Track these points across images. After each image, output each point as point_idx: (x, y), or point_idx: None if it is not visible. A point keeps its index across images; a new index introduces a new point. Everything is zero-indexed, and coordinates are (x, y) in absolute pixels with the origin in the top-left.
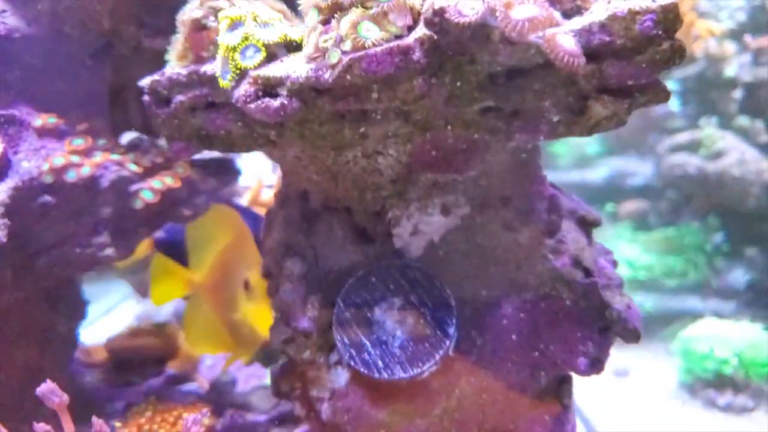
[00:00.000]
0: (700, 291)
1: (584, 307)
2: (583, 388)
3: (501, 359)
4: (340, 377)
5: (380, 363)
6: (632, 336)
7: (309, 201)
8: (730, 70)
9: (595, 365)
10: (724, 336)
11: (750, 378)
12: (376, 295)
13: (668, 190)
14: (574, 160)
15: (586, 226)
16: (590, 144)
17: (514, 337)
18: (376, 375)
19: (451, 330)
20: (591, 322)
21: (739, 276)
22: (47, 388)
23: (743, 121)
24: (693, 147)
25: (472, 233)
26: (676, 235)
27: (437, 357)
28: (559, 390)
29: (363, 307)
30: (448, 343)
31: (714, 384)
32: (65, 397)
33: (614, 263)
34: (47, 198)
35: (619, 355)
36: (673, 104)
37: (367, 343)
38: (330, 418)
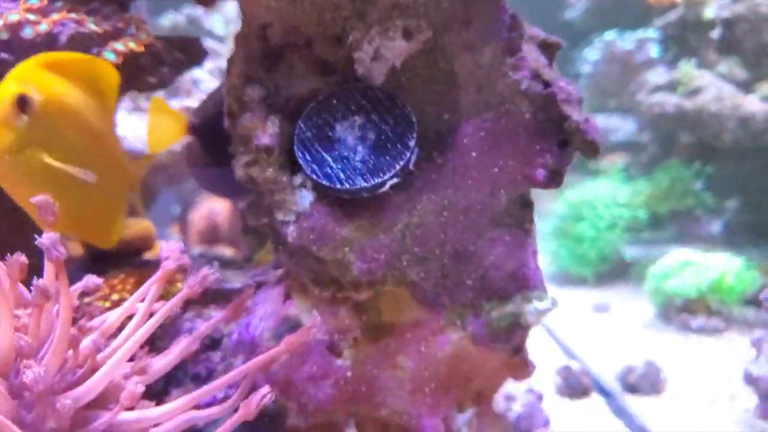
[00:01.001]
0: (680, 239)
1: (543, 120)
2: (562, 321)
3: (461, 177)
4: (305, 199)
5: (342, 175)
6: (591, 149)
7: (269, 39)
8: (709, 12)
9: (554, 178)
10: (698, 262)
11: (722, 302)
12: (338, 115)
13: (650, 146)
14: None
15: (547, 48)
16: None
17: (474, 154)
18: (338, 186)
19: (412, 143)
20: (550, 134)
21: (718, 226)
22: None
23: (722, 67)
24: (672, 87)
25: (434, 58)
26: (657, 184)
27: (398, 167)
28: (521, 214)
29: (324, 127)
30: (408, 155)
31: (687, 308)
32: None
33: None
34: (3, 55)
35: (599, 294)
36: (654, 51)
37: (329, 158)
38: (296, 241)
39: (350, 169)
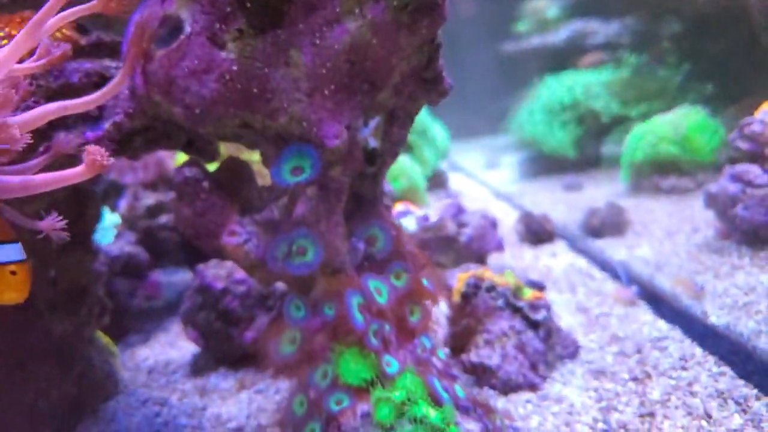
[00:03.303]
0: None
1: None
2: (531, 197)
3: None
4: None
5: None
6: None
7: None
8: None
9: None
10: (666, 125)
11: (692, 162)
12: None
13: (627, 44)
14: (535, 27)
15: None
16: (550, 8)
17: None
18: None
19: None
20: None
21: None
22: None
23: None
24: None
25: None
26: (639, 77)
27: None
28: None
29: None
30: None
31: (657, 170)
32: None
33: None
34: None
35: (573, 178)
36: None
37: None
38: None
39: None
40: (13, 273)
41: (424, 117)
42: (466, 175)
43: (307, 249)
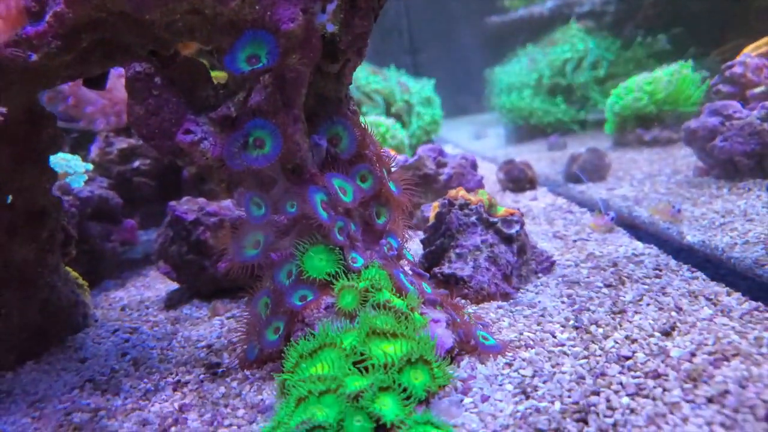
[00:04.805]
0: None
1: None
2: (515, 158)
3: None
4: None
5: None
6: None
7: None
8: None
9: None
10: (649, 80)
11: (675, 113)
12: None
13: (612, 11)
14: (522, 2)
15: None
16: None
17: None
18: None
19: None
20: None
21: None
22: None
23: None
24: None
25: None
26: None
27: None
28: None
29: None
30: None
31: (640, 123)
32: None
33: None
34: None
35: (558, 137)
36: None
37: None
38: None
39: None
40: None
41: (413, 91)
42: (454, 145)
43: (265, 141)
